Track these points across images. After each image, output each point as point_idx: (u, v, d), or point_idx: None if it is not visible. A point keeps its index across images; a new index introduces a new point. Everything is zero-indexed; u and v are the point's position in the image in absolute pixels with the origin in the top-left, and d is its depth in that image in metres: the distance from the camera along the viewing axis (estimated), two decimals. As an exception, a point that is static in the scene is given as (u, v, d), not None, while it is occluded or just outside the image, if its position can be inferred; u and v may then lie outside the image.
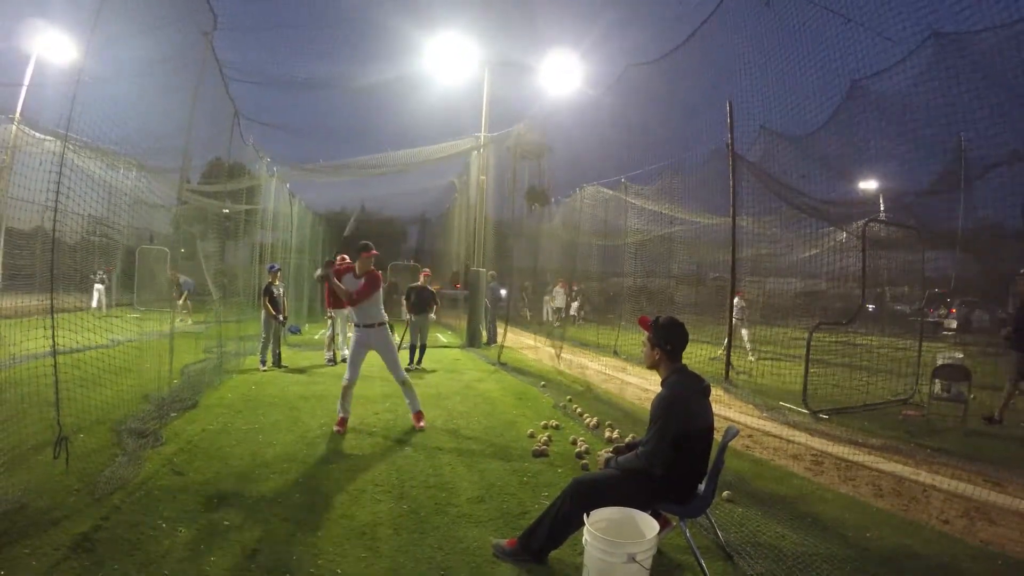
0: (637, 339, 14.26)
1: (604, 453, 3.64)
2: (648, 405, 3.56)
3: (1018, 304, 7.85)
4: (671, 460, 3.23)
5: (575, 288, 24.85)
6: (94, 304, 18.72)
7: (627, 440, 3.88)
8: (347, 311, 11.49)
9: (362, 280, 6.30)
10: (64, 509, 3.79)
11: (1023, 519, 4.47)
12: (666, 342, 3.46)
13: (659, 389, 3.47)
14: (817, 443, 6.63)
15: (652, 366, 3.56)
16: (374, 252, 6.39)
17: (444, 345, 15.49)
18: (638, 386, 10.04)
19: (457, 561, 3.45)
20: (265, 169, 14.16)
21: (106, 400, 5.60)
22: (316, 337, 15.48)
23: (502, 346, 13.50)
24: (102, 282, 19.11)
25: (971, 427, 7.39)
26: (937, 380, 8.31)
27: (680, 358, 3.51)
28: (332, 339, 11.29)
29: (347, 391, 6.26)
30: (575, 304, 24.85)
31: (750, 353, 13.58)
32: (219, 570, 3.22)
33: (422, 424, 6.56)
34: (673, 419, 3.24)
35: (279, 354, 10.46)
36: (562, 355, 13.52)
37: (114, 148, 6.55)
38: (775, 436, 6.96)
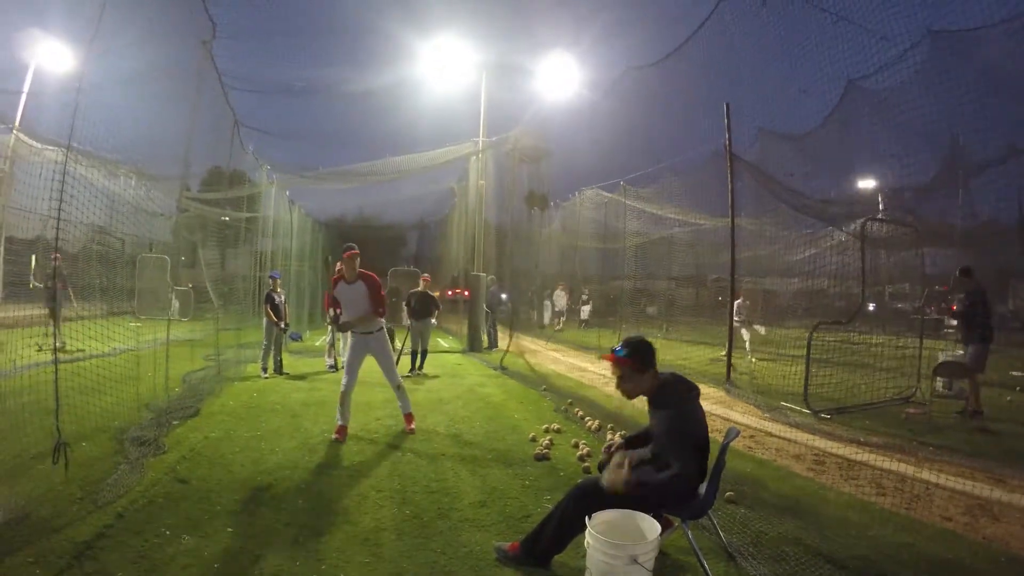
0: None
1: (617, 439, 3.48)
2: (648, 407, 3.53)
3: (965, 301, 7.82)
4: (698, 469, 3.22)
5: (585, 292, 24.92)
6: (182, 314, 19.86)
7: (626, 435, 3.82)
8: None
9: (358, 284, 6.25)
10: (67, 517, 3.79)
11: (1026, 516, 4.47)
12: (649, 362, 3.36)
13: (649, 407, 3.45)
14: (819, 443, 6.62)
15: (640, 394, 3.42)
16: (356, 251, 6.27)
17: (445, 350, 15.49)
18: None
19: (460, 566, 3.45)
20: (265, 176, 14.19)
21: (107, 408, 5.60)
22: (317, 344, 15.48)
23: (506, 351, 13.47)
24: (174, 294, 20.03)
25: (973, 424, 7.38)
26: (938, 378, 8.32)
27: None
28: (332, 345, 11.28)
29: (345, 397, 6.26)
30: (587, 308, 24.92)
31: (749, 354, 13.59)
32: (223, 577, 3.22)
33: (412, 427, 6.61)
34: (690, 435, 3.22)
35: (280, 361, 10.46)
36: (564, 359, 13.51)
37: (114, 157, 6.57)
38: (777, 436, 6.95)
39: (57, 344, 9.72)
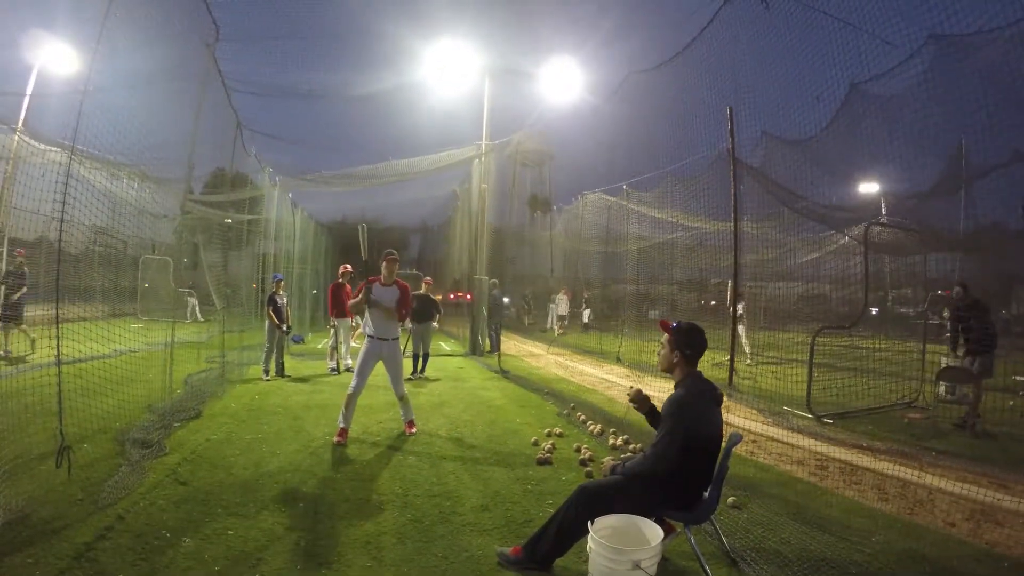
0: (640, 346, 14.25)
1: (610, 460, 3.62)
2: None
3: (966, 316, 7.77)
4: (678, 463, 3.22)
5: (585, 296, 24.93)
6: (188, 316, 20.74)
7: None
8: (350, 321, 11.49)
9: (392, 288, 6.49)
10: (67, 519, 3.79)
11: (1030, 522, 4.45)
12: (686, 346, 3.46)
13: (669, 394, 3.47)
14: (821, 447, 6.60)
15: (668, 369, 3.56)
16: (396, 258, 6.61)
17: (447, 353, 15.48)
18: (641, 392, 10.00)
19: (462, 570, 3.44)
20: (267, 179, 14.21)
21: (109, 410, 5.60)
22: (319, 346, 15.49)
23: (499, 354, 13.46)
24: (191, 295, 20.89)
25: (978, 428, 7.35)
26: (941, 382, 8.28)
27: (696, 364, 3.51)
28: (335, 348, 11.28)
29: (351, 400, 6.28)
30: (587, 312, 24.92)
31: (748, 357, 13.56)
32: (223, 580, 3.22)
33: (413, 431, 6.69)
34: (682, 421, 3.23)
35: (282, 363, 10.46)
36: (566, 363, 13.49)
37: (118, 159, 6.58)
38: (779, 441, 6.93)
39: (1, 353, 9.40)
